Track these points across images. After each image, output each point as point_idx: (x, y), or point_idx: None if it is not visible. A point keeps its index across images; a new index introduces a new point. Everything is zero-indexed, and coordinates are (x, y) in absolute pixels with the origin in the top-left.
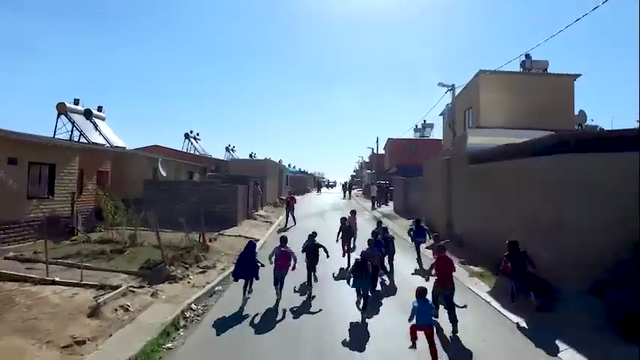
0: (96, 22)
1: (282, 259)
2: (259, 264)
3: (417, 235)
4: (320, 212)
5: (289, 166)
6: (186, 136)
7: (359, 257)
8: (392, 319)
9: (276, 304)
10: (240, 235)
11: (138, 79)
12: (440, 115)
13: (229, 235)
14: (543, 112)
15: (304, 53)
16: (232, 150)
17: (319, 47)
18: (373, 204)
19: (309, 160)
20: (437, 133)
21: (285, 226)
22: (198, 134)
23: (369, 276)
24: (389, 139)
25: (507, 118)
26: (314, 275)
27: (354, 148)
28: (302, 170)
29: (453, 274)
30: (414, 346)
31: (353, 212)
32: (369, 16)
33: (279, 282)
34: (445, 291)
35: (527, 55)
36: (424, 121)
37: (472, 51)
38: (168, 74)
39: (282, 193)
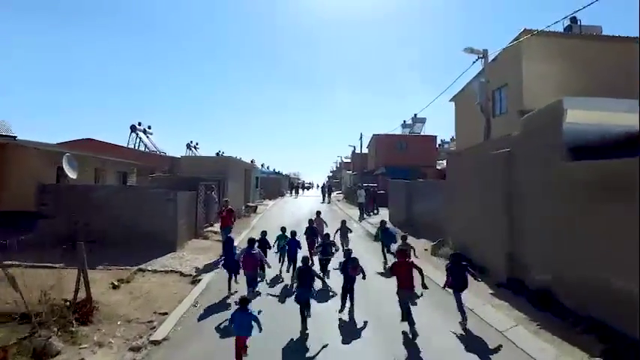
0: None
1: (249, 262)
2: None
3: (386, 238)
4: (297, 222)
5: (263, 166)
6: (133, 128)
7: (301, 264)
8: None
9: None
10: (172, 271)
11: (107, 72)
12: (451, 100)
13: (155, 271)
14: (608, 90)
15: (281, 54)
16: (195, 147)
17: (296, 47)
18: (362, 213)
19: (285, 160)
20: (430, 129)
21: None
22: (149, 127)
23: (312, 284)
24: (374, 135)
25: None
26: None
27: (332, 149)
28: (276, 171)
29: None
30: None
31: (318, 213)
32: (349, 15)
33: (250, 285)
34: (408, 294)
35: (574, 19)
36: (414, 115)
37: (457, 50)
38: (138, 71)
39: (251, 198)
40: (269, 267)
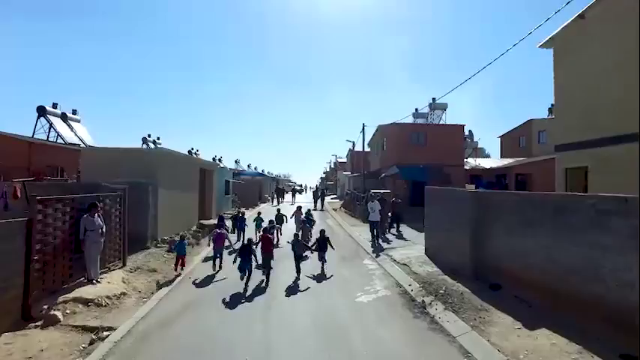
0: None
1: (218, 239)
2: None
3: (308, 222)
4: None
5: (249, 167)
6: (41, 112)
7: (246, 242)
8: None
9: (216, 273)
10: None
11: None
12: (543, 45)
13: None
14: None
15: (271, 53)
16: (155, 143)
17: (285, 46)
18: (375, 237)
19: (278, 163)
20: (452, 117)
21: None
22: (75, 112)
23: (252, 256)
24: (380, 126)
25: None
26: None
27: (328, 150)
28: (261, 172)
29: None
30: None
31: (299, 208)
32: (344, 12)
33: (217, 256)
34: (269, 255)
35: None
36: (432, 99)
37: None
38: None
39: (215, 211)
40: (232, 245)
